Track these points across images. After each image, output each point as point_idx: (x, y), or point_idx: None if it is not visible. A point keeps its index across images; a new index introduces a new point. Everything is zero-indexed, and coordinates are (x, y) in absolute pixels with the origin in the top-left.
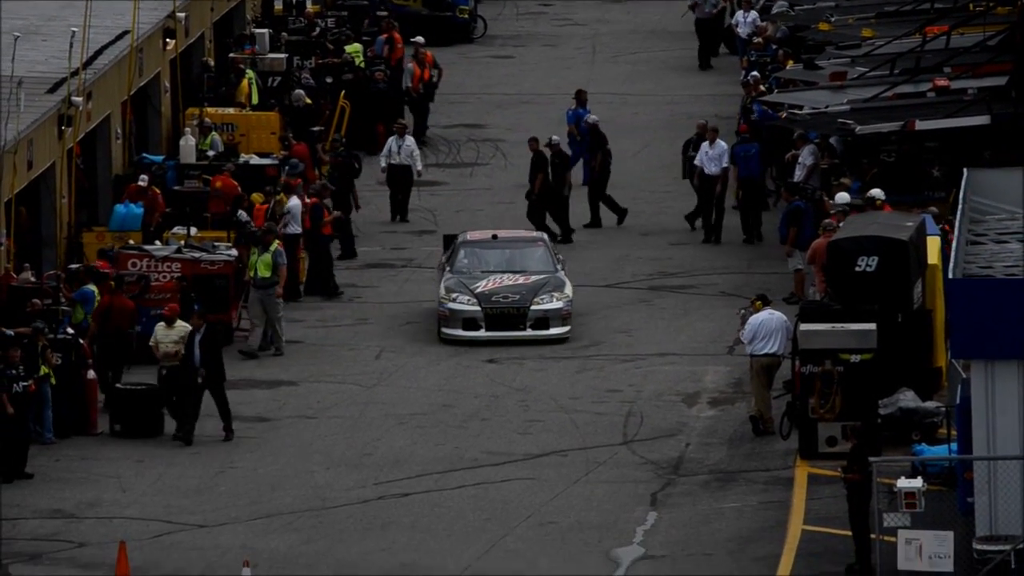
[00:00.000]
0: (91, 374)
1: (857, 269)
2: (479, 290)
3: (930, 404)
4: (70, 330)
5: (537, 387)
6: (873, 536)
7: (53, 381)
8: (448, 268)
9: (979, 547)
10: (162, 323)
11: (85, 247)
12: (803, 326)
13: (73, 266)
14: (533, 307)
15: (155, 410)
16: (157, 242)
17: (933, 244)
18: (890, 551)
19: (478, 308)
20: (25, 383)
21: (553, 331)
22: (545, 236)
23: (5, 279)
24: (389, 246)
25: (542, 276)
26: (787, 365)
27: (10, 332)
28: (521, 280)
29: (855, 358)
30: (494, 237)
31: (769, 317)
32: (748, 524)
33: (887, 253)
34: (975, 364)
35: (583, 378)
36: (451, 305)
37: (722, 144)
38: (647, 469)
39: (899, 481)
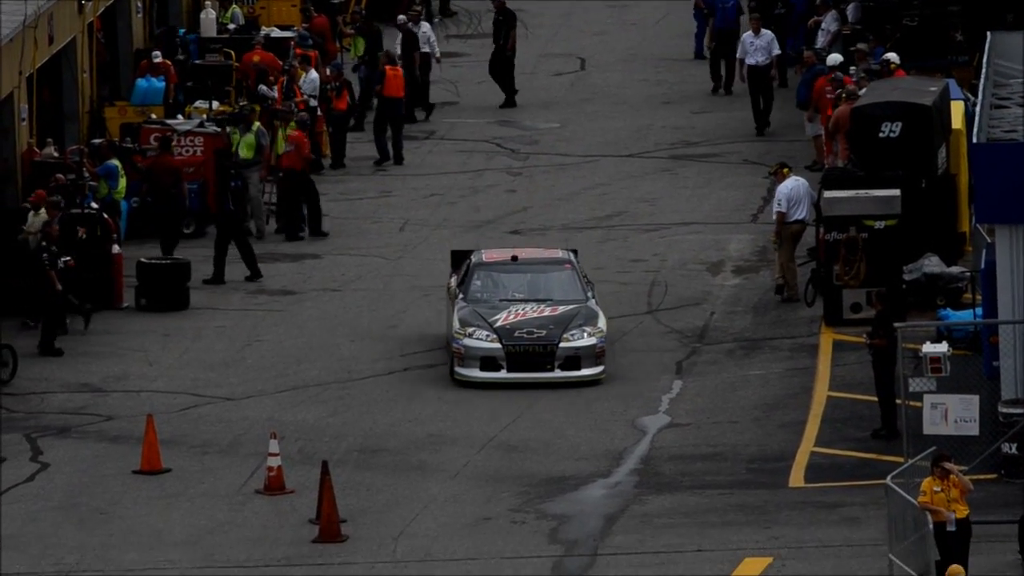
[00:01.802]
0: (116, 248)
1: (881, 135)
2: (499, 323)
3: (955, 269)
4: (94, 205)
5: None
6: (899, 401)
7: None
8: (461, 295)
9: (1004, 410)
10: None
11: (107, 122)
12: (827, 193)
13: (96, 141)
14: (562, 344)
15: (181, 284)
16: (179, 116)
17: (957, 108)
18: (916, 416)
19: (498, 345)
20: (65, 259)
21: (585, 372)
22: (573, 256)
23: (28, 154)
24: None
25: (571, 306)
26: (810, 232)
27: (27, 205)
28: (547, 312)
29: (879, 224)
30: (514, 259)
31: (796, 184)
32: (773, 391)
33: (911, 118)
34: (999, 228)
35: (607, 248)
36: (467, 341)
37: (767, 33)
38: (672, 338)
39: (924, 346)
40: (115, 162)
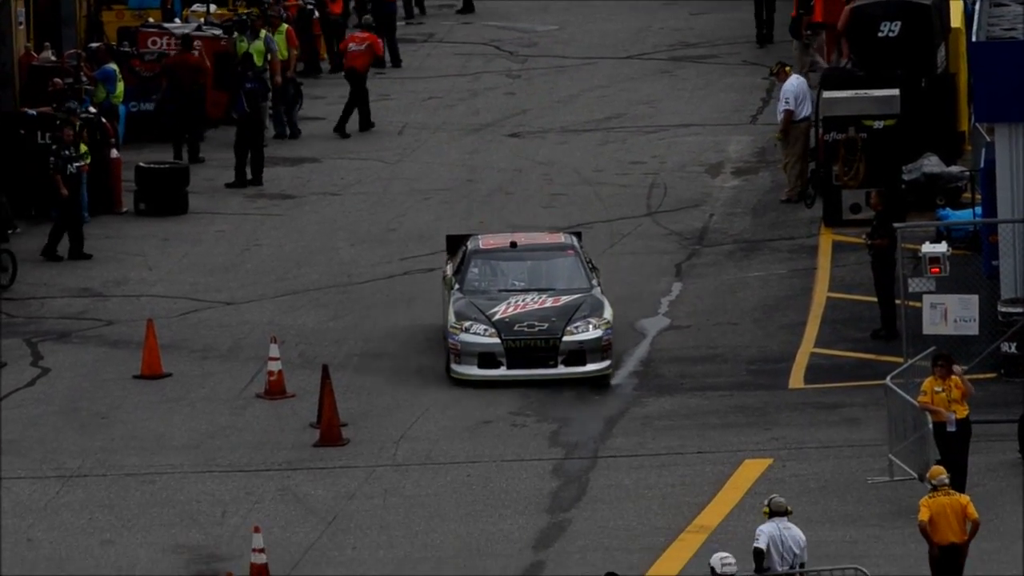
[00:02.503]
0: (114, 153)
1: (880, 34)
2: (497, 316)
3: (954, 168)
4: (92, 109)
5: (560, 160)
6: (898, 302)
7: (89, 160)
8: (457, 286)
9: (1004, 309)
10: None
11: (105, 26)
12: (826, 93)
13: (93, 45)
14: (566, 338)
15: (180, 188)
16: (177, 20)
17: (956, 7)
18: (915, 316)
19: (497, 340)
20: (79, 163)
21: (591, 367)
22: (575, 242)
23: (26, 59)
24: (407, 24)
25: (575, 296)
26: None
27: (32, 112)
28: (549, 302)
29: (878, 124)
30: (513, 245)
31: (799, 81)
32: (773, 292)
33: (910, 17)
34: (999, 127)
35: (606, 150)
36: (464, 337)
37: None
38: (671, 240)
39: (924, 246)
40: (113, 66)
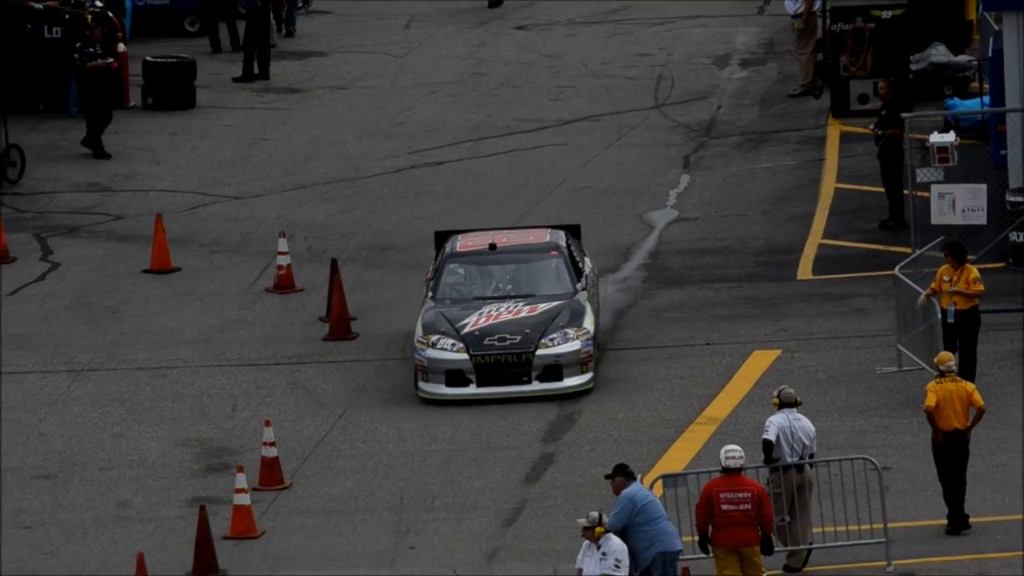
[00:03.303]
0: (121, 47)
1: None
2: (467, 329)
3: (962, 58)
4: (98, 3)
5: (567, 53)
6: (906, 192)
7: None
8: (430, 294)
9: (1012, 199)
10: None
11: None
12: None
13: None
14: (540, 351)
15: (188, 82)
16: None
17: None
18: (923, 206)
19: (465, 356)
20: (108, 60)
21: (569, 383)
22: (562, 240)
23: None
24: None
25: (554, 303)
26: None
27: (38, 6)
28: (525, 312)
29: (886, 14)
30: (492, 247)
31: None
32: (781, 184)
33: None
34: (1007, 16)
35: (613, 43)
36: (430, 353)
37: None
38: (679, 132)
39: (932, 136)
40: None
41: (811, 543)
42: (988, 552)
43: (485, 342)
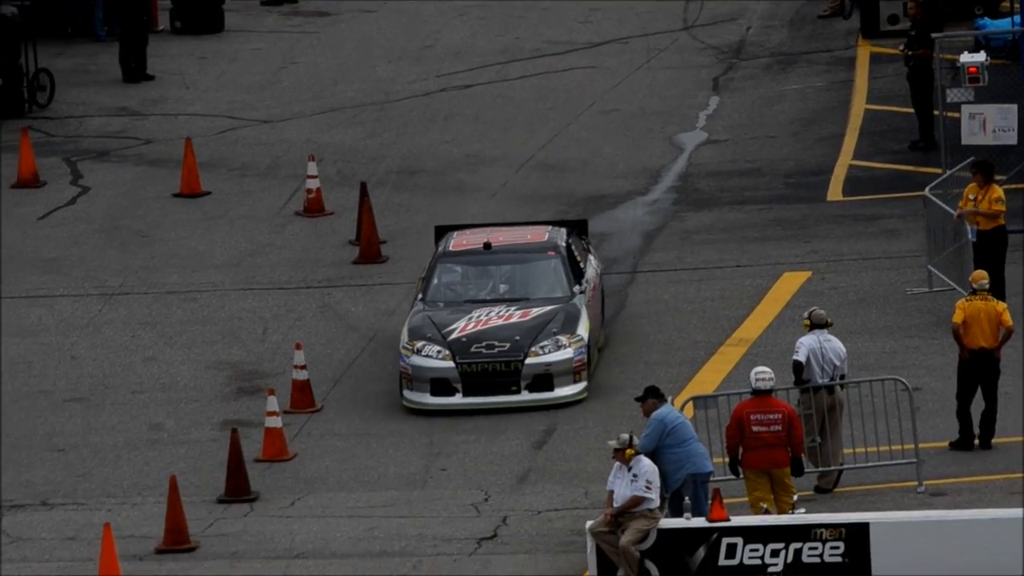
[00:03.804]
0: None
1: None
2: (454, 335)
3: None
4: None
5: None
6: (936, 112)
7: None
8: (420, 295)
9: None
10: None
11: None
12: None
13: None
14: (530, 360)
15: (216, 6)
16: None
17: None
18: (953, 126)
19: (451, 364)
20: None
21: (561, 392)
22: (561, 240)
23: None
24: None
25: (548, 307)
26: None
27: None
28: (516, 317)
29: None
30: (487, 247)
31: None
32: (810, 105)
33: None
34: None
35: None
36: (415, 360)
37: None
38: (708, 54)
39: (962, 56)
40: None
41: (842, 464)
42: (1019, 472)
43: (472, 349)
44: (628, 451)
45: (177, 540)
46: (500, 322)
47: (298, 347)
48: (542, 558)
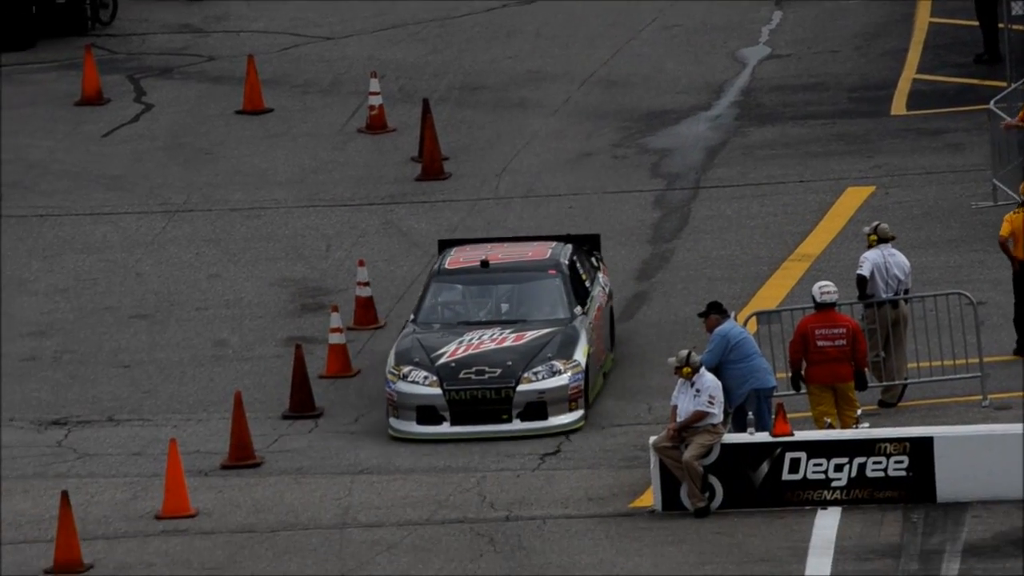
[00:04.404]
0: None
1: None
2: (443, 360)
3: None
4: None
5: None
6: (1001, 25)
7: None
8: (412, 316)
9: None
10: None
11: None
12: None
13: None
14: (522, 387)
15: None
16: None
17: None
18: (1018, 40)
19: (438, 391)
20: None
21: (555, 421)
22: (565, 257)
23: None
24: None
25: (545, 330)
26: None
27: None
28: (510, 340)
29: None
30: (484, 265)
31: None
32: (874, 19)
33: None
34: None
35: None
36: (400, 386)
37: None
38: None
39: None
40: None
41: (906, 379)
42: None
43: (461, 375)
44: (685, 369)
45: (242, 456)
46: (493, 346)
47: (361, 264)
48: (605, 473)
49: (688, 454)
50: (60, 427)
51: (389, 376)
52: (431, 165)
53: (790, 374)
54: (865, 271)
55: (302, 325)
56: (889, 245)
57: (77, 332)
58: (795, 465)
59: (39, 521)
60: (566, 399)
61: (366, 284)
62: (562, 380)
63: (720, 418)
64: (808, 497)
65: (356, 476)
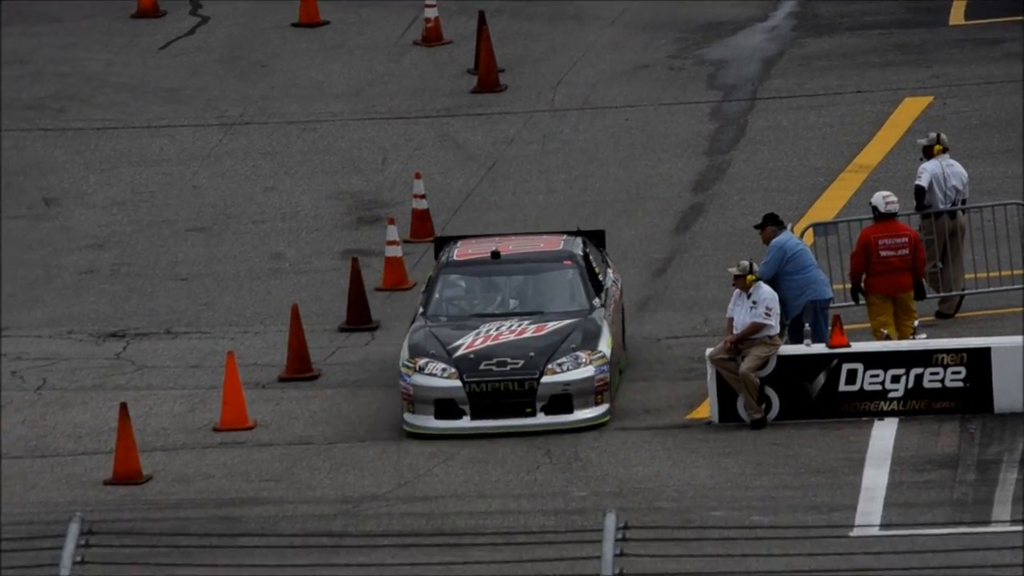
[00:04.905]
0: None
1: None
2: (461, 351)
3: None
4: None
5: None
6: None
7: None
8: (421, 309)
9: None
10: None
11: None
12: None
13: None
14: (547, 378)
15: None
16: None
17: None
18: None
19: (458, 383)
20: None
21: (580, 415)
22: (578, 249)
23: None
24: None
25: (566, 323)
26: None
27: None
28: (531, 331)
29: None
30: (495, 256)
31: None
32: None
33: None
34: None
35: None
36: (417, 379)
37: None
38: None
39: None
40: None
41: (963, 289)
42: None
43: (481, 367)
44: (749, 277)
45: (300, 368)
46: (512, 337)
47: (417, 176)
48: (661, 385)
49: (745, 366)
50: (118, 339)
51: (403, 369)
52: (487, 77)
53: (848, 285)
54: (924, 182)
55: (358, 238)
56: (947, 155)
57: (134, 245)
58: (852, 376)
59: (98, 433)
60: (592, 391)
61: (422, 197)
62: (588, 372)
63: (777, 330)
64: (865, 408)
65: None
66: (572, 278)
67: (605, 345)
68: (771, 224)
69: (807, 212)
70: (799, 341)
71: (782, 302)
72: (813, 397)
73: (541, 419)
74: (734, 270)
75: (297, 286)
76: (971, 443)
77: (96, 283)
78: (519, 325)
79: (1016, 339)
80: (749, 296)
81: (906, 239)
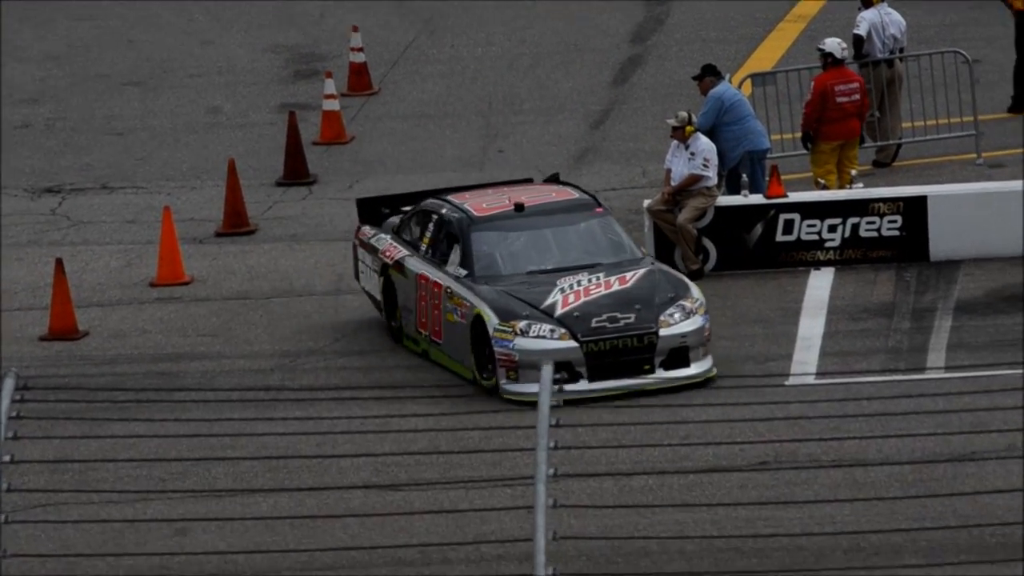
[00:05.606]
0: None
1: None
2: (560, 310)
3: None
4: None
5: None
6: None
7: None
8: (465, 272)
9: None
10: None
11: None
12: None
13: None
14: (664, 331)
15: None
16: None
17: None
18: None
19: (573, 344)
20: None
21: (695, 369)
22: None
23: None
24: None
25: (638, 271)
26: None
27: None
28: (616, 284)
29: None
30: (519, 208)
31: None
32: None
33: None
34: None
35: None
36: (521, 343)
37: None
38: None
39: None
40: None
41: (900, 138)
42: None
43: (593, 324)
44: (687, 128)
45: (236, 223)
46: (602, 290)
47: (355, 29)
48: None
49: (682, 217)
50: (54, 194)
51: (499, 335)
52: None
53: (798, 134)
54: (862, 31)
55: (295, 91)
56: (885, 4)
57: (70, 99)
58: (789, 226)
59: (34, 288)
60: (703, 343)
61: (359, 50)
62: (698, 321)
63: (714, 181)
64: (802, 258)
65: (350, 242)
66: (608, 224)
67: (697, 290)
68: (709, 75)
69: (745, 62)
70: (736, 192)
71: (720, 153)
72: (750, 247)
73: (660, 375)
74: (672, 121)
75: (234, 140)
76: (906, 291)
77: (31, 138)
78: (597, 278)
79: (952, 187)
80: (687, 147)
81: (857, 85)
